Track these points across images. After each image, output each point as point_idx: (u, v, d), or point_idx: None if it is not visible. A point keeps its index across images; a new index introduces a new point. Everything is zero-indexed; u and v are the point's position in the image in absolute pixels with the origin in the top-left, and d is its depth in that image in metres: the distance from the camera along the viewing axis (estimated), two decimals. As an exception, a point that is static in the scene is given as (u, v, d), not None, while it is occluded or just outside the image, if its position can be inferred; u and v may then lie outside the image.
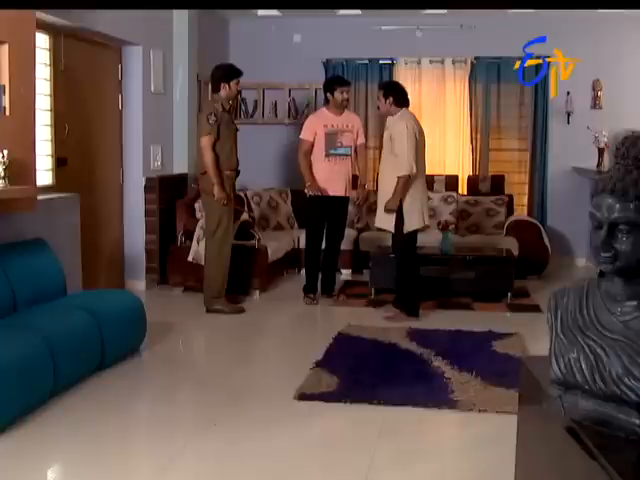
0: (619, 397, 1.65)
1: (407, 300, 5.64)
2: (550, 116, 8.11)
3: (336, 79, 6.28)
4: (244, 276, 6.31)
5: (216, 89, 5.76)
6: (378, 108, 5.75)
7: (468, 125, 8.24)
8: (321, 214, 6.05)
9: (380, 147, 6.94)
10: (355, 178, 6.31)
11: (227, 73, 5.72)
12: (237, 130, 5.86)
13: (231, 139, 5.71)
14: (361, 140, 6.21)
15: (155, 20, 6.57)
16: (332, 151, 6.02)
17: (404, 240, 5.50)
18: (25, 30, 4.29)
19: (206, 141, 5.56)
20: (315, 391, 4.01)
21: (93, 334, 4.19)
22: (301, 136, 6.12)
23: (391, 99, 5.49)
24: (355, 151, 6.14)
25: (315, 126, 6.03)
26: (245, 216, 6.70)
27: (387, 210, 5.43)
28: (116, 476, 3.07)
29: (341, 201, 6.12)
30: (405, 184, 5.37)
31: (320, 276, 6.22)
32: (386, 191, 5.45)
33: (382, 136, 6.02)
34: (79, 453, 3.29)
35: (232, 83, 5.67)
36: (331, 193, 6.01)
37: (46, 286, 4.51)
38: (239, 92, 6.02)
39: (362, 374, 4.37)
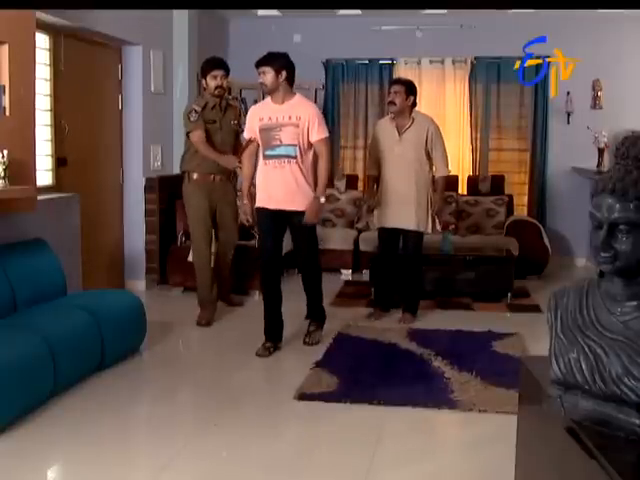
0: (619, 397, 1.65)
1: (415, 300, 5.64)
2: (550, 116, 8.11)
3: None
4: (244, 276, 6.31)
5: (204, 86, 5.51)
6: (392, 103, 5.39)
7: (468, 125, 8.24)
8: (268, 230, 4.81)
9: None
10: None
11: (202, 68, 5.44)
12: (237, 130, 5.56)
13: (213, 141, 5.41)
14: (316, 136, 4.67)
15: (155, 20, 6.57)
16: (268, 152, 4.70)
17: (421, 240, 5.56)
18: (25, 30, 4.29)
19: (196, 137, 5.34)
20: (315, 391, 4.01)
21: (93, 334, 4.19)
22: (244, 134, 4.97)
23: (412, 98, 5.42)
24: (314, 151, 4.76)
25: (253, 120, 4.78)
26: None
27: (438, 212, 5.52)
28: (116, 476, 3.07)
29: (289, 217, 4.75)
30: (446, 183, 5.60)
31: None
32: (405, 191, 5.40)
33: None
34: (79, 453, 3.29)
35: (208, 78, 5.35)
36: (271, 207, 4.75)
37: (46, 286, 4.51)
38: (220, 87, 5.37)
39: (362, 374, 4.37)
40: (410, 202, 5.40)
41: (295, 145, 4.65)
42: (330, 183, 7.36)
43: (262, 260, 4.91)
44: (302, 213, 4.68)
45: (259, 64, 4.65)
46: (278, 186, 4.70)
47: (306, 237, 4.83)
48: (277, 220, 4.76)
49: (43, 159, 5.26)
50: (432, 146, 5.42)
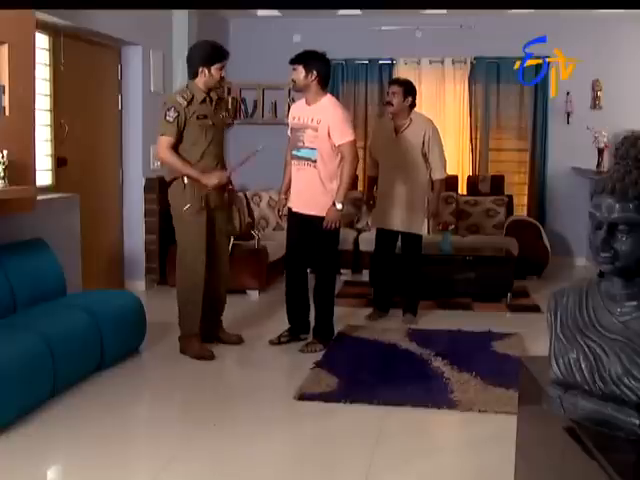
0: (619, 397, 1.65)
1: (415, 300, 5.64)
2: (550, 116, 8.11)
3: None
4: (244, 276, 6.32)
5: (193, 75, 4.58)
6: (389, 104, 5.38)
7: (468, 125, 8.24)
8: (290, 230, 4.90)
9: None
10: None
11: (208, 55, 4.56)
12: (224, 126, 4.87)
13: (204, 139, 4.57)
14: (339, 139, 4.57)
15: (155, 20, 6.57)
16: (294, 152, 4.72)
17: (420, 242, 5.57)
18: (25, 30, 4.29)
19: (162, 143, 4.48)
20: (315, 391, 4.01)
21: (93, 334, 4.19)
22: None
23: (410, 99, 5.37)
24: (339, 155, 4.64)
25: (289, 118, 4.88)
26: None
27: (434, 215, 5.56)
28: (116, 476, 3.07)
29: (309, 222, 4.70)
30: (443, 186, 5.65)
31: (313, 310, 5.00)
32: (400, 193, 5.38)
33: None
34: (79, 453, 3.29)
35: (214, 68, 4.53)
36: (293, 208, 4.83)
37: (46, 286, 4.51)
38: (222, 79, 4.64)
39: (362, 374, 4.37)
40: (404, 204, 5.39)
41: (315, 149, 4.60)
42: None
43: (285, 258, 5.09)
44: (318, 219, 4.62)
45: (292, 61, 4.66)
46: (297, 188, 4.75)
47: (322, 247, 4.74)
48: (299, 222, 4.77)
49: (43, 159, 5.26)
50: (429, 148, 5.38)
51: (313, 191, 4.64)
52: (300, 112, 4.71)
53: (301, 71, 4.60)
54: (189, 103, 4.52)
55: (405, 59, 8.24)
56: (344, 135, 4.58)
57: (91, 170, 6.07)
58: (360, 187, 8.31)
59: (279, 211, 5.00)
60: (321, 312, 4.88)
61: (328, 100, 4.70)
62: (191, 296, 4.66)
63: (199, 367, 4.56)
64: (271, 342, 4.93)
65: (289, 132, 4.86)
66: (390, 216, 5.45)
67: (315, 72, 4.58)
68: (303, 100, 4.77)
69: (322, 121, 4.56)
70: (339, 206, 4.59)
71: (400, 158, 5.37)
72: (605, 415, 1.68)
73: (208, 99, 4.64)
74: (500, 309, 6.13)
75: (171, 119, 4.47)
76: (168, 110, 4.49)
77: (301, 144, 4.65)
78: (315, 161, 4.60)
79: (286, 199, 4.91)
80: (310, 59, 4.62)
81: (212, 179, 4.53)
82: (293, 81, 4.69)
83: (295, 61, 4.64)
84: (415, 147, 5.36)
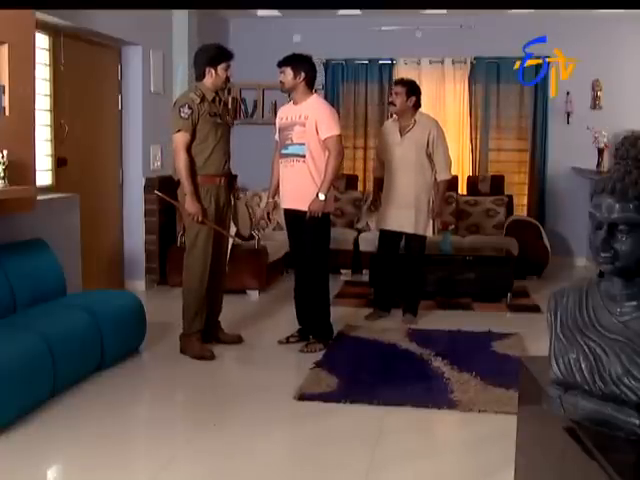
0: (619, 397, 1.65)
1: (416, 300, 5.64)
2: (550, 116, 8.11)
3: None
4: (244, 276, 6.32)
5: (200, 76, 4.69)
6: (392, 104, 5.45)
7: (468, 125, 8.24)
8: (288, 229, 4.97)
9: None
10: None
11: (213, 56, 4.67)
12: (229, 126, 4.86)
13: (215, 136, 4.65)
14: (324, 134, 4.64)
15: (155, 20, 6.57)
16: (283, 150, 4.79)
17: (424, 243, 5.58)
18: (25, 30, 4.29)
19: (178, 139, 4.56)
20: (315, 391, 4.01)
21: (93, 334, 4.19)
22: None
23: (413, 99, 5.38)
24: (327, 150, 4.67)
25: (277, 120, 4.95)
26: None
27: (438, 215, 5.55)
28: (116, 476, 3.07)
29: (298, 219, 4.75)
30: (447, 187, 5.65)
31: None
32: (405, 193, 5.38)
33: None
34: (79, 453, 3.29)
35: (220, 68, 4.64)
36: (283, 206, 4.91)
37: (46, 286, 4.51)
38: (228, 79, 4.74)
39: (362, 374, 4.38)
40: (409, 205, 5.38)
41: (303, 144, 4.67)
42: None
43: (291, 260, 5.23)
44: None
45: (280, 63, 4.77)
46: (287, 184, 4.79)
47: (310, 242, 4.74)
48: (295, 220, 4.79)
49: (43, 159, 5.26)
50: (434, 149, 5.38)
51: (303, 187, 4.66)
52: (288, 112, 4.82)
53: (289, 73, 4.71)
54: (201, 100, 4.61)
55: (405, 59, 8.24)
56: (330, 129, 4.66)
57: (91, 170, 6.07)
58: (360, 187, 8.32)
59: (268, 214, 5.09)
60: (316, 311, 4.89)
61: (315, 98, 4.85)
62: (197, 292, 4.69)
63: (199, 367, 4.56)
64: (280, 342, 4.96)
65: (276, 136, 4.91)
66: (395, 217, 5.44)
67: (303, 73, 4.71)
68: (290, 103, 4.89)
69: (310, 116, 4.66)
70: (322, 197, 4.62)
71: (406, 159, 5.38)
72: (605, 415, 1.68)
73: (217, 98, 4.76)
74: (500, 309, 6.13)
75: (186, 115, 4.55)
76: (182, 107, 4.57)
77: (289, 141, 4.73)
78: (304, 156, 4.68)
79: (275, 203, 5.03)
80: (298, 61, 4.75)
81: (192, 207, 4.54)
82: (281, 83, 4.78)
83: (283, 63, 4.76)
84: (420, 148, 5.37)
